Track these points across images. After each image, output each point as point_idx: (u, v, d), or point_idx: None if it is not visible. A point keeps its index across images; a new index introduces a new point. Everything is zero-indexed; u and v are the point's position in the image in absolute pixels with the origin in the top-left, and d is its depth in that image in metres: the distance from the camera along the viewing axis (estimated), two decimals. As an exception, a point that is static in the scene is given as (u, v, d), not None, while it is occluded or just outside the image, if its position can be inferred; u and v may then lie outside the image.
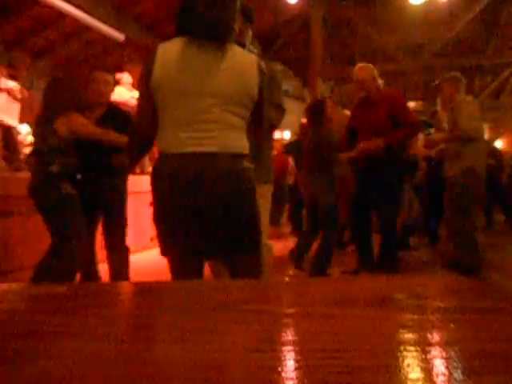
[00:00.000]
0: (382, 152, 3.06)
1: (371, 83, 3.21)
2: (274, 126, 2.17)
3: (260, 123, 1.57)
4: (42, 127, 2.60)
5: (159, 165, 1.46)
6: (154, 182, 1.47)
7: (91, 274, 2.87)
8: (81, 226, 2.59)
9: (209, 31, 1.43)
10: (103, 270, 3.20)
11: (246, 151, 1.48)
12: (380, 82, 3.30)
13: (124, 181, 2.86)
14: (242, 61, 1.48)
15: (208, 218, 1.41)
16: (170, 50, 1.48)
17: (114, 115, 2.85)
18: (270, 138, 2.34)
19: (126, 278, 2.84)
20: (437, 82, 4.15)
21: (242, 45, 1.91)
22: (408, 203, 4.82)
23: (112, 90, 3.14)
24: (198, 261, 1.55)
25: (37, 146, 2.65)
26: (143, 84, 1.46)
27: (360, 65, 3.35)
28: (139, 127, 1.55)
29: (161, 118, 1.46)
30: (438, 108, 4.01)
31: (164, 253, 1.52)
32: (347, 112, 5.32)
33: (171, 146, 1.43)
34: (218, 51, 1.44)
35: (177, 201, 1.41)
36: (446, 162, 3.64)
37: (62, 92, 2.64)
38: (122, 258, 2.85)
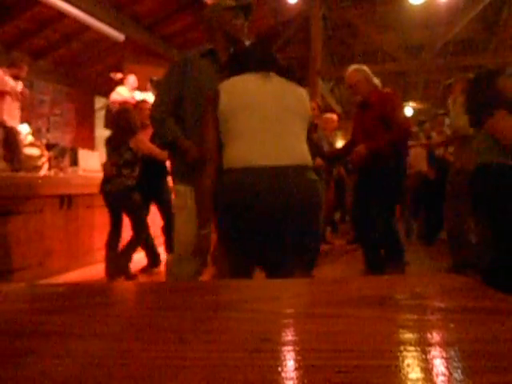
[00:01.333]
0: (371, 161, 2.87)
1: (364, 86, 3.06)
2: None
3: (310, 134, 1.67)
4: (117, 145, 3.42)
5: (231, 180, 1.47)
6: (224, 197, 1.48)
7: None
8: (145, 222, 3.55)
9: (263, 65, 1.59)
10: (102, 269, 3.20)
11: (311, 164, 1.56)
12: (376, 81, 3.15)
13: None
14: (297, 91, 1.61)
15: (280, 230, 1.44)
16: (234, 83, 1.57)
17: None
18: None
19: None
20: (449, 82, 4.15)
21: (241, 42, 1.93)
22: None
23: None
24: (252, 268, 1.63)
25: (114, 159, 3.39)
26: (211, 115, 1.55)
27: (351, 69, 3.16)
28: (213, 154, 1.57)
29: (228, 135, 1.52)
30: (450, 108, 3.99)
31: (231, 269, 1.58)
32: (330, 115, 5.31)
33: (243, 160, 1.47)
34: (276, 79, 1.58)
35: (251, 214, 1.43)
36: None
37: (129, 118, 3.49)
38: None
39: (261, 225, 1.43)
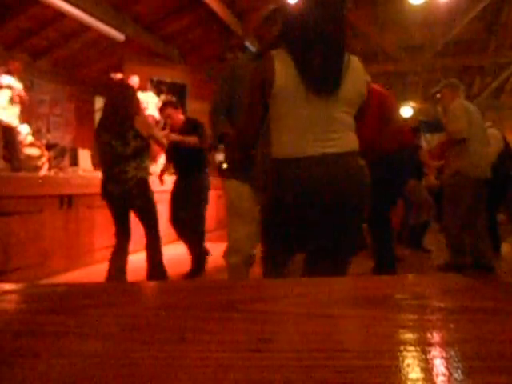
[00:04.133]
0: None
1: None
2: None
3: (361, 118, 1.64)
4: (120, 131, 2.82)
5: (283, 170, 1.48)
6: (276, 189, 1.50)
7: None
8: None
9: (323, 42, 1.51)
10: (105, 269, 3.20)
11: (358, 149, 1.55)
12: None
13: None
14: (353, 63, 1.56)
15: (333, 218, 1.47)
16: (285, 59, 1.49)
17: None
18: None
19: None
20: (436, 90, 4.17)
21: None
22: (418, 204, 4.80)
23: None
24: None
25: (118, 151, 2.82)
26: (259, 93, 1.51)
27: None
28: (247, 134, 1.60)
29: (277, 124, 1.51)
30: (441, 114, 4.01)
31: (269, 254, 1.60)
32: None
33: (295, 151, 1.47)
34: None
35: (305, 202, 1.45)
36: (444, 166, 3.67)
37: (133, 95, 2.98)
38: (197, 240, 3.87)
39: (312, 212, 1.45)
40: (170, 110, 3.90)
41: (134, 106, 2.95)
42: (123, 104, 2.89)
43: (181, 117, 3.92)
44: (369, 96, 2.86)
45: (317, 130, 1.46)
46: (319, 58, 1.47)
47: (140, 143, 2.87)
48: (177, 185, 3.96)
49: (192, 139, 3.65)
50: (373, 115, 2.80)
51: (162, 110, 4.08)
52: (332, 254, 1.53)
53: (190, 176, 3.80)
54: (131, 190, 2.86)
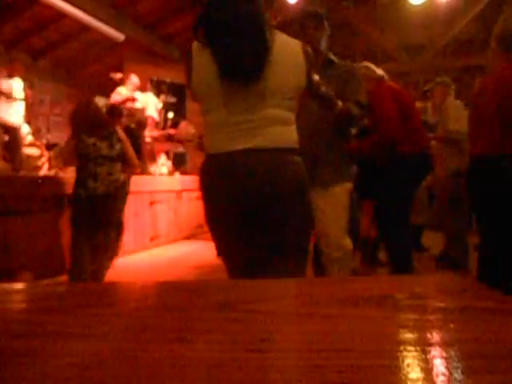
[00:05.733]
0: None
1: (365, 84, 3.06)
2: (352, 123, 2.21)
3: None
4: (106, 135, 2.97)
5: (208, 165, 1.45)
6: (204, 181, 1.46)
7: None
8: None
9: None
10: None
11: (295, 145, 1.44)
12: (380, 72, 3.04)
13: None
14: (287, 49, 1.42)
15: (259, 216, 1.39)
16: (204, 49, 1.41)
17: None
18: (347, 134, 2.33)
19: None
20: (428, 87, 4.17)
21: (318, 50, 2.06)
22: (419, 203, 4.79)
23: None
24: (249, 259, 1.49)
25: (104, 152, 2.94)
26: (188, 85, 1.45)
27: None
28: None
29: (207, 120, 1.45)
30: (429, 111, 4.01)
31: (219, 253, 1.52)
32: None
33: (220, 146, 1.41)
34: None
35: (229, 199, 1.40)
36: (435, 165, 3.58)
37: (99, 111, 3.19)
38: None
39: (241, 209, 1.39)
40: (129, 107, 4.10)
41: (102, 113, 3.17)
42: (95, 112, 3.09)
43: None
44: (383, 96, 2.85)
45: (238, 127, 1.38)
46: (232, 42, 1.34)
47: (120, 148, 3.00)
48: None
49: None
50: (393, 114, 2.76)
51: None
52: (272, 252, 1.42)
53: None
54: (116, 191, 2.94)
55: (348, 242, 2.24)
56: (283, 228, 1.40)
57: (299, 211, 1.43)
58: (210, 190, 1.45)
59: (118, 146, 2.97)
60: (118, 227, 3.09)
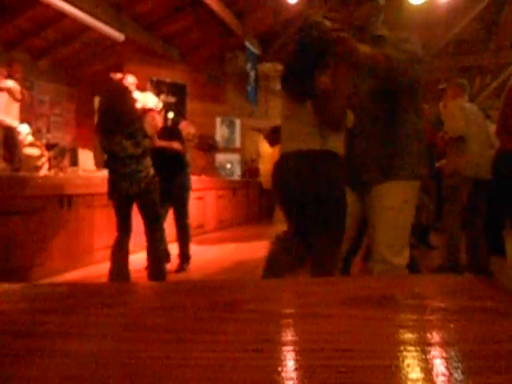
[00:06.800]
0: None
1: None
2: (393, 68, 1.78)
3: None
4: (131, 133, 2.88)
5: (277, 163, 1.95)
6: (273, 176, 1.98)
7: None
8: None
9: None
10: (105, 268, 3.20)
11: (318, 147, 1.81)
12: None
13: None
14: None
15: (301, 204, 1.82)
16: None
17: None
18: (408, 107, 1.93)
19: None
20: (442, 86, 4.17)
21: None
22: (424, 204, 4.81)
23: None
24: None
25: (130, 151, 2.88)
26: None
27: None
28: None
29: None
30: (441, 111, 4.01)
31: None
32: None
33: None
34: None
35: (281, 190, 1.93)
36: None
37: (131, 100, 3.07)
38: (186, 237, 4.15)
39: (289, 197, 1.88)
40: (154, 114, 4.11)
41: (135, 108, 3.07)
42: (125, 107, 2.94)
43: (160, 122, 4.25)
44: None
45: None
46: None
47: (148, 143, 2.99)
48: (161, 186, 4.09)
49: (176, 144, 3.99)
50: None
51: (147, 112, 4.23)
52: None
53: (173, 177, 4.00)
54: (147, 187, 2.95)
55: (399, 258, 1.82)
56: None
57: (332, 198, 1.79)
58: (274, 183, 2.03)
59: (143, 143, 2.92)
60: (157, 219, 3.17)
